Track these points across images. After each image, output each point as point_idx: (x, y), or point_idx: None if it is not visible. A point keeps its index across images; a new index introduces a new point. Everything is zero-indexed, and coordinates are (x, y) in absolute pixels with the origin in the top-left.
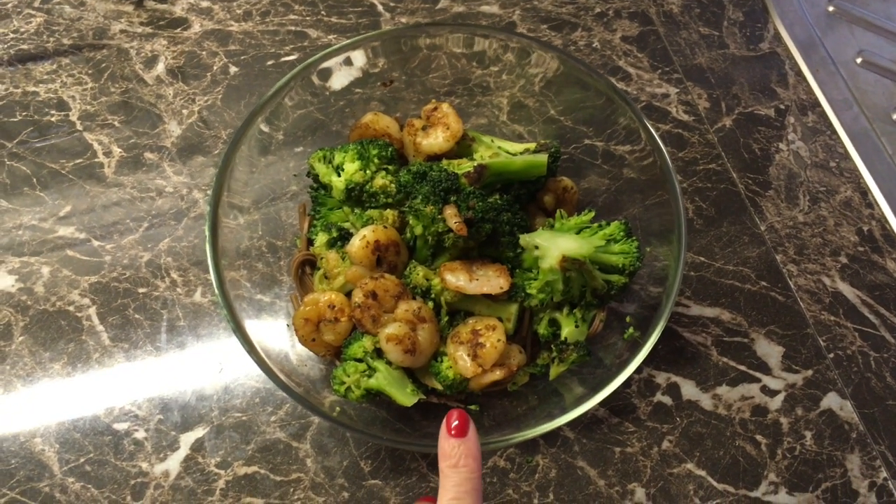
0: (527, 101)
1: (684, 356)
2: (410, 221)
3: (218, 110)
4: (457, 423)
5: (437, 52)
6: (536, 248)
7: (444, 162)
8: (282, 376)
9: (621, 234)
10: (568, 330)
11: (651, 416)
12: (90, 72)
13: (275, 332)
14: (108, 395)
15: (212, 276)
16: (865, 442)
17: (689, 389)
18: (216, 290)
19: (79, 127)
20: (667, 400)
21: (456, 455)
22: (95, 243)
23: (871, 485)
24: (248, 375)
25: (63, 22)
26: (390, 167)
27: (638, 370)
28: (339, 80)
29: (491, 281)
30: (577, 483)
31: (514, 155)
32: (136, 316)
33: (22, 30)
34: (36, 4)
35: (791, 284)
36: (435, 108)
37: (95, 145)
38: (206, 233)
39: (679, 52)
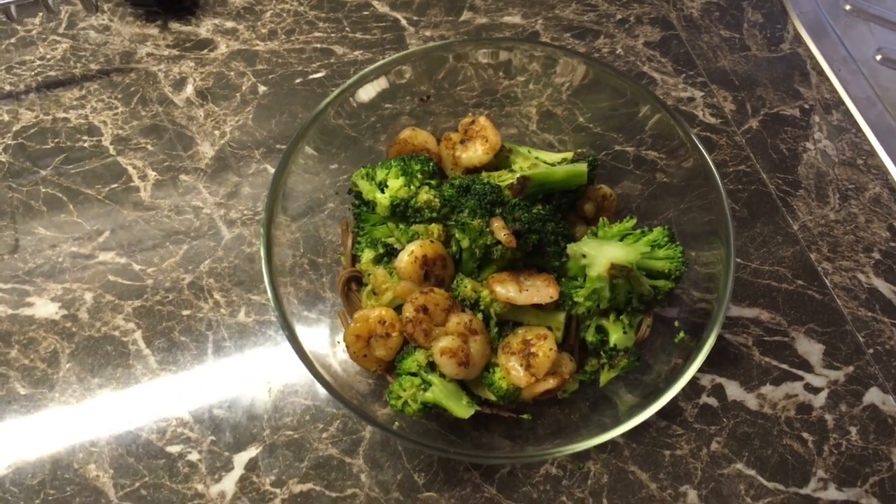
0: (555, 110)
1: (727, 357)
2: (457, 235)
3: (249, 130)
4: None
5: (464, 63)
6: (584, 256)
7: (484, 174)
8: (341, 391)
9: (665, 239)
10: (616, 336)
11: (698, 418)
12: (119, 96)
13: (322, 348)
14: (159, 419)
15: (269, 296)
16: None
17: (733, 390)
18: (274, 310)
19: (112, 152)
20: (712, 401)
21: None
22: (137, 267)
23: None
24: (296, 393)
25: (89, 47)
26: (433, 182)
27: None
28: (367, 93)
29: (540, 291)
30: (630, 487)
31: (553, 165)
32: (182, 338)
33: (48, 56)
34: (61, 31)
35: (827, 282)
36: (472, 122)
37: (130, 169)
38: (262, 253)
39: (702, 55)
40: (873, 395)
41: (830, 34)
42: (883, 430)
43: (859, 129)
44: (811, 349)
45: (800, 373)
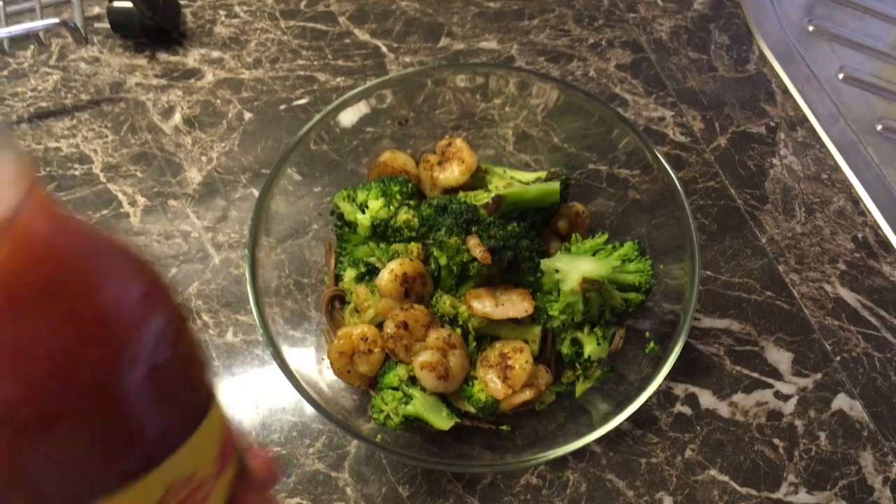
0: (531, 131)
1: (699, 367)
2: (435, 253)
3: (235, 155)
4: None
5: (442, 87)
6: (557, 271)
7: (461, 194)
8: (326, 407)
9: (635, 253)
10: (590, 348)
11: (672, 426)
12: (109, 125)
13: (308, 366)
14: None
15: (255, 316)
16: (877, 439)
17: (706, 399)
18: (260, 331)
19: (102, 179)
20: (686, 410)
21: None
22: None
23: (884, 479)
24: (283, 410)
25: (79, 78)
26: (411, 202)
27: None
28: (348, 118)
29: (516, 305)
30: (608, 495)
31: (527, 184)
32: None
33: (40, 88)
34: (52, 62)
35: (794, 293)
36: (449, 144)
37: (120, 196)
38: (247, 274)
39: (671, 76)
40: (841, 401)
41: (794, 54)
42: (851, 435)
43: (823, 145)
44: (780, 358)
45: (770, 380)
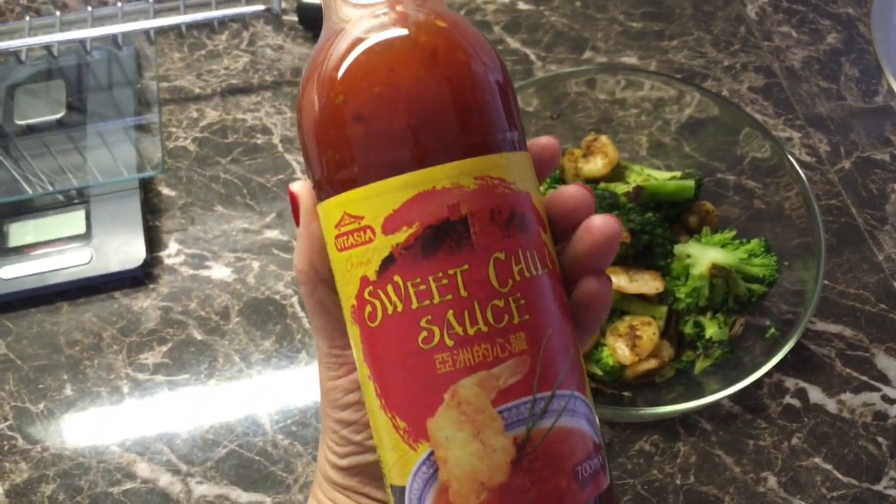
0: (664, 139)
1: (811, 365)
2: None
3: None
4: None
5: (584, 97)
6: (688, 256)
7: (602, 185)
8: None
9: (761, 249)
10: (713, 330)
11: (781, 415)
12: (288, 104)
13: None
14: (310, 372)
15: None
16: None
17: (815, 394)
18: None
19: (280, 149)
20: (795, 402)
21: None
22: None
23: None
24: None
25: (265, 62)
26: (556, 187)
27: (769, 375)
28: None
29: (647, 283)
30: (716, 468)
31: (664, 181)
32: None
33: (231, 67)
34: (243, 47)
35: None
36: (595, 139)
37: (294, 164)
38: None
39: (801, 101)
40: None
41: None
42: None
43: None
44: (889, 365)
45: (878, 385)
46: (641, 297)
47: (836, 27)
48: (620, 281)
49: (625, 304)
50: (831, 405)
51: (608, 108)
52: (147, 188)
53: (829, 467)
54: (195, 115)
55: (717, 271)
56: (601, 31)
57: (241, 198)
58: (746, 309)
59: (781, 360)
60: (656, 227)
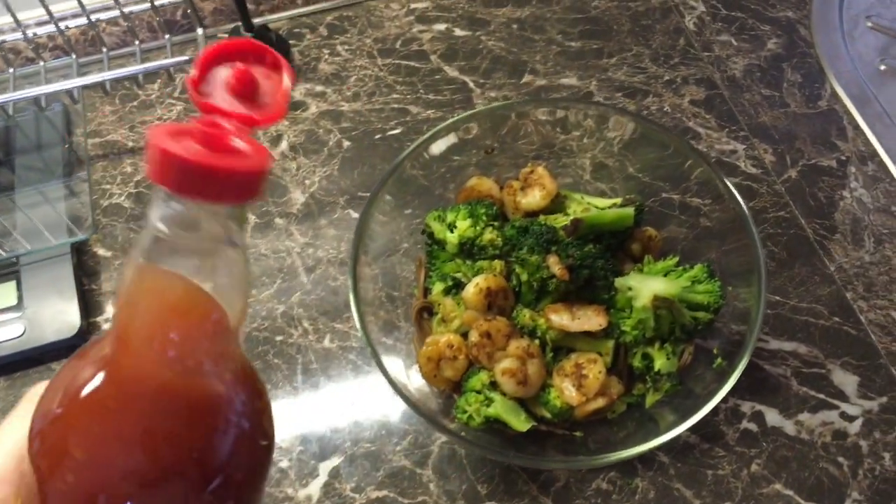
0: (607, 162)
1: (767, 386)
2: (517, 270)
3: (335, 179)
4: None
5: (525, 119)
6: (630, 289)
7: (542, 217)
8: (418, 405)
9: (704, 275)
10: (661, 362)
11: (739, 441)
12: None
13: (398, 371)
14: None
15: (357, 324)
16: None
17: (772, 416)
18: (361, 335)
19: None
20: (752, 427)
21: None
22: None
23: None
24: (374, 411)
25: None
26: (496, 223)
27: (724, 400)
28: (438, 147)
29: (591, 319)
30: (675, 503)
31: (603, 209)
32: (275, 360)
33: (165, 117)
34: (175, 95)
35: (862, 319)
36: (531, 171)
37: None
38: (350, 283)
39: (743, 112)
40: None
41: (866, 92)
42: None
43: (893, 179)
44: (846, 380)
45: (836, 402)
46: (587, 334)
47: (776, 32)
48: (563, 319)
49: (570, 342)
50: (789, 427)
51: (549, 133)
52: (81, 250)
53: (790, 493)
54: (129, 169)
55: (660, 302)
56: (539, 52)
57: None
58: (694, 337)
59: (736, 383)
60: (597, 259)
